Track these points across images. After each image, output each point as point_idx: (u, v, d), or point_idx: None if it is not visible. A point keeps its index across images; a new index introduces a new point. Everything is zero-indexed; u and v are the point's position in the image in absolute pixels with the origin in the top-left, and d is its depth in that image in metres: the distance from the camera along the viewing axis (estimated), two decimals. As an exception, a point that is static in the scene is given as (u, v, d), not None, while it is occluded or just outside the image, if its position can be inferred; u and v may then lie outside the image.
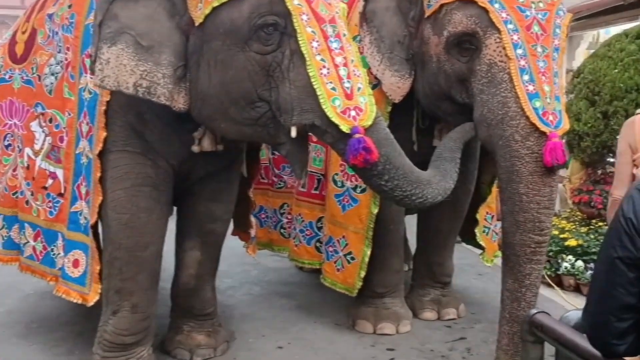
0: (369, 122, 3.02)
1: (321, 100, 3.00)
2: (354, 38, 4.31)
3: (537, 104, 3.38)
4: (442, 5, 3.73)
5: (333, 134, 3.08)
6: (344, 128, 2.97)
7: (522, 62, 3.43)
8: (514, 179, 3.46)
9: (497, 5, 3.50)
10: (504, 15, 3.49)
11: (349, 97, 3.02)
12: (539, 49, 3.47)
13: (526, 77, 3.42)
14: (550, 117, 3.38)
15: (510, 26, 3.47)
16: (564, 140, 3.48)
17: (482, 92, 3.59)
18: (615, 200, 3.22)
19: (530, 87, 3.41)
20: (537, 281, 3.56)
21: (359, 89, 3.07)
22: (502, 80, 3.49)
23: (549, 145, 3.33)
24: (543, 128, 3.35)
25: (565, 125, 3.45)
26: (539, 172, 3.40)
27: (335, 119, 2.98)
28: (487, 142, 3.65)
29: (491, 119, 3.54)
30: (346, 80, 3.05)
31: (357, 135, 2.96)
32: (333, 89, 3.01)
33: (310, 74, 3.03)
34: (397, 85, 4.07)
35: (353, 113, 2.99)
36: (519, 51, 3.45)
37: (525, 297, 3.52)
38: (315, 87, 3.01)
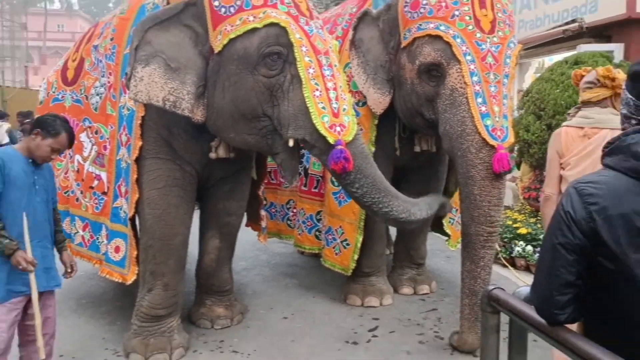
0: (350, 138, 3.04)
1: (313, 117, 3.01)
2: (346, 65, 4.34)
3: (488, 122, 3.41)
4: (415, 39, 3.74)
5: (320, 146, 3.09)
6: (331, 140, 2.99)
7: (477, 88, 3.46)
8: (470, 183, 3.49)
9: (458, 40, 3.52)
10: (464, 48, 3.51)
11: (335, 115, 3.04)
12: (492, 76, 3.49)
13: (480, 100, 3.44)
14: (499, 133, 3.41)
15: (468, 57, 3.49)
16: (509, 152, 3.49)
17: (446, 111, 3.61)
18: (547, 196, 3.23)
19: (483, 108, 3.43)
20: (490, 263, 3.58)
21: (344, 109, 3.08)
22: (461, 103, 3.50)
23: (496, 156, 3.37)
24: (492, 142, 3.38)
25: (511, 139, 3.47)
26: (489, 177, 3.43)
27: (323, 132, 3.00)
28: (449, 152, 3.68)
29: (452, 134, 3.56)
30: (334, 101, 3.06)
31: (339, 147, 2.99)
32: (323, 107, 3.03)
33: (305, 95, 3.04)
34: (379, 101, 4.09)
35: (338, 129, 3.01)
36: (475, 78, 3.47)
37: (481, 275, 3.54)
38: (308, 105, 3.03)
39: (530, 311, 1.64)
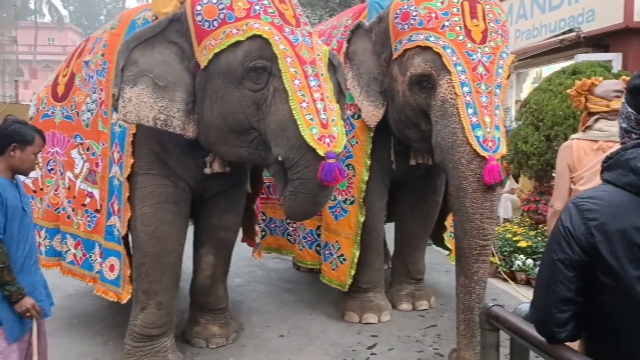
0: (340, 149, 3.01)
1: (301, 129, 2.98)
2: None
3: (479, 133, 3.40)
4: (405, 50, 3.76)
5: (307, 159, 3.00)
6: (321, 152, 2.95)
7: (468, 98, 3.45)
8: (462, 195, 3.46)
9: (448, 51, 3.53)
10: (454, 58, 3.51)
11: (324, 126, 3.01)
12: (483, 87, 3.48)
13: (470, 111, 3.43)
14: (490, 144, 3.39)
15: (459, 68, 3.49)
16: (501, 163, 3.48)
17: (437, 123, 3.61)
18: (556, 211, 3.21)
19: (474, 119, 3.42)
20: (484, 277, 3.54)
21: (333, 120, 3.06)
22: (452, 114, 3.50)
23: (487, 168, 3.34)
24: (483, 153, 3.36)
25: (503, 150, 3.46)
26: (481, 189, 3.40)
27: (313, 144, 2.96)
28: (441, 164, 3.65)
29: (443, 145, 3.55)
30: (323, 112, 3.03)
31: (331, 159, 2.94)
32: (311, 119, 3.00)
33: (292, 107, 3.02)
34: (373, 113, 4.11)
35: (328, 140, 2.98)
36: (466, 89, 3.46)
37: (475, 290, 3.50)
38: (296, 117, 3.00)
39: (530, 329, 1.64)
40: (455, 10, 3.62)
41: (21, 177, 2.98)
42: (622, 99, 1.68)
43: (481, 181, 3.38)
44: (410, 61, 3.72)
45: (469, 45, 3.54)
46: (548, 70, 8.69)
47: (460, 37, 3.56)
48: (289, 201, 3.17)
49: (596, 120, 3.35)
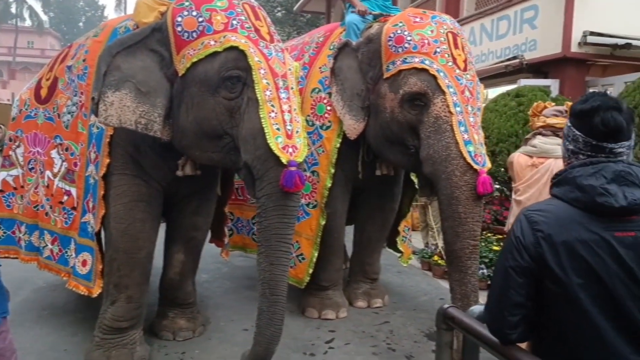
0: (301, 159, 2.96)
1: (267, 137, 2.91)
2: (312, 90, 4.35)
3: (471, 149, 3.50)
4: (400, 71, 3.79)
5: (271, 166, 2.92)
6: (283, 160, 2.88)
7: (460, 117, 3.55)
8: (454, 202, 3.52)
9: (442, 74, 3.63)
10: (447, 81, 3.62)
11: (289, 137, 2.95)
12: (469, 108, 3.61)
13: (462, 128, 3.54)
14: (479, 159, 3.51)
15: (451, 90, 3.60)
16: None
17: (429, 137, 3.65)
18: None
19: (466, 136, 3.52)
20: (476, 271, 3.60)
21: (297, 132, 3.01)
22: (445, 130, 3.57)
23: (480, 180, 3.45)
24: (475, 167, 3.46)
25: (489, 164, 3.57)
26: (472, 197, 3.49)
27: (277, 152, 2.89)
28: (432, 175, 3.69)
29: (436, 158, 3.60)
30: (289, 123, 2.98)
31: (293, 167, 2.88)
32: (278, 129, 2.94)
33: (261, 115, 2.96)
34: (354, 126, 4.10)
35: (290, 150, 2.92)
36: (458, 109, 3.57)
37: (470, 281, 3.55)
38: (264, 125, 2.94)
39: (483, 329, 1.65)
40: (442, 39, 3.75)
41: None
42: (568, 123, 1.70)
43: (473, 190, 3.47)
44: (405, 80, 3.75)
45: (457, 71, 3.67)
46: (494, 92, 8.84)
47: (450, 64, 3.68)
48: (262, 223, 3.00)
49: (534, 136, 3.59)
